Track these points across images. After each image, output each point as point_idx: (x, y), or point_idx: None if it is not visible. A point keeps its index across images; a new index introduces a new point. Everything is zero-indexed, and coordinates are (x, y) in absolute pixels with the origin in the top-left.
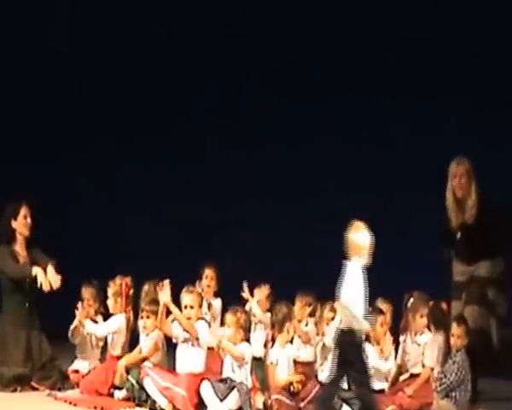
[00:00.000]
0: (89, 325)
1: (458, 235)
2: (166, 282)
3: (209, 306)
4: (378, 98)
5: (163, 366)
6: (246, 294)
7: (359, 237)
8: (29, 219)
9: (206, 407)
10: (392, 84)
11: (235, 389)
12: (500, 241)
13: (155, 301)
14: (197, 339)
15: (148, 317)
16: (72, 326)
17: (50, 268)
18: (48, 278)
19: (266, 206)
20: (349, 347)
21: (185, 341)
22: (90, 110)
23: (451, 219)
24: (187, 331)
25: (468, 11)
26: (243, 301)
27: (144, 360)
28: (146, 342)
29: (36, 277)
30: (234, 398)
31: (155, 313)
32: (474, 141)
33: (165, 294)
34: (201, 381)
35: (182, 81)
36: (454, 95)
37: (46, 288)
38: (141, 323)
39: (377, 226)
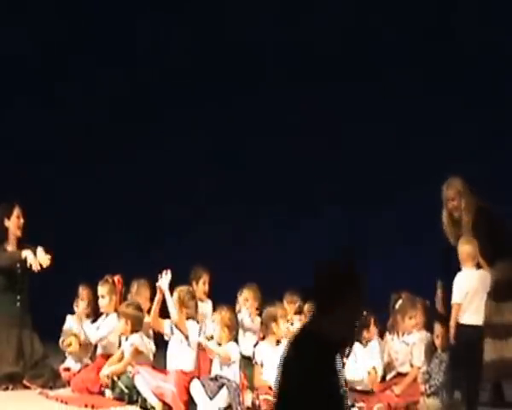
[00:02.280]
0: (86, 327)
1: None
2: (169, 272)
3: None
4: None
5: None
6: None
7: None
8: (22, 220)
9: (196, 405)
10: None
11: (225, 387)
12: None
13: (133, 305)
14: (187, 337)
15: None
16: (62, 337)
17: (40, 249)
18: (37, 258)
19: (255, 204)
20: None
21: (175, 335)
22: (80, 109)
23: (450, 237)
24: (177, 327)
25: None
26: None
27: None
28: (126, 347)
29: (26, 259)
30: (223, 396)
31: (130, 317)
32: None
33: (164, 282)
34: (191, 380)
35: (174, 80)
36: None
37: (36, 268)
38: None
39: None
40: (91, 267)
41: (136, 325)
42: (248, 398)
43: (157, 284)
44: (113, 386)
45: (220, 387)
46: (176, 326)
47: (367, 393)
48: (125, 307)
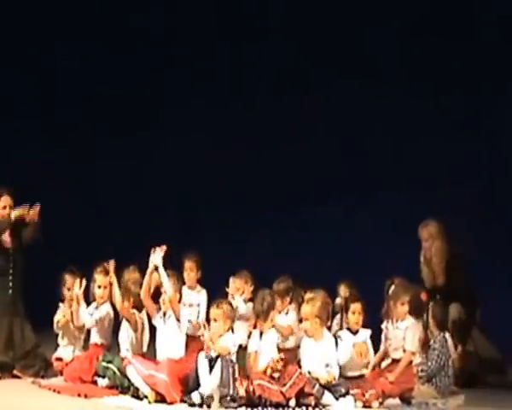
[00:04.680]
0: (82, 314)
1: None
2: (163, 247)
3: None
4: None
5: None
6: (231, 289)
7: None
8: (8, 210)
9: (191, 391)
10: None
11: (219, 359)
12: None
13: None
14: (178, 320)
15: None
16: (56, 318)
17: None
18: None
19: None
20: None
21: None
22: (74, 101)
23: (424, 279)
24: (171, 307)
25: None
26: (225, 292)
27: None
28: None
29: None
30: (218, 368)
31: (132, 295)
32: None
33: (156, 256)
34: (183, 367)
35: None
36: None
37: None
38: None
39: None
40: (84, 254)
41: (137, 303)
42: (242, 387)
43: (150, 260)
44: (106, 370)
45: (215, 360)
46: (169, 305)
47: (360, 378)
48: (131, 284)
